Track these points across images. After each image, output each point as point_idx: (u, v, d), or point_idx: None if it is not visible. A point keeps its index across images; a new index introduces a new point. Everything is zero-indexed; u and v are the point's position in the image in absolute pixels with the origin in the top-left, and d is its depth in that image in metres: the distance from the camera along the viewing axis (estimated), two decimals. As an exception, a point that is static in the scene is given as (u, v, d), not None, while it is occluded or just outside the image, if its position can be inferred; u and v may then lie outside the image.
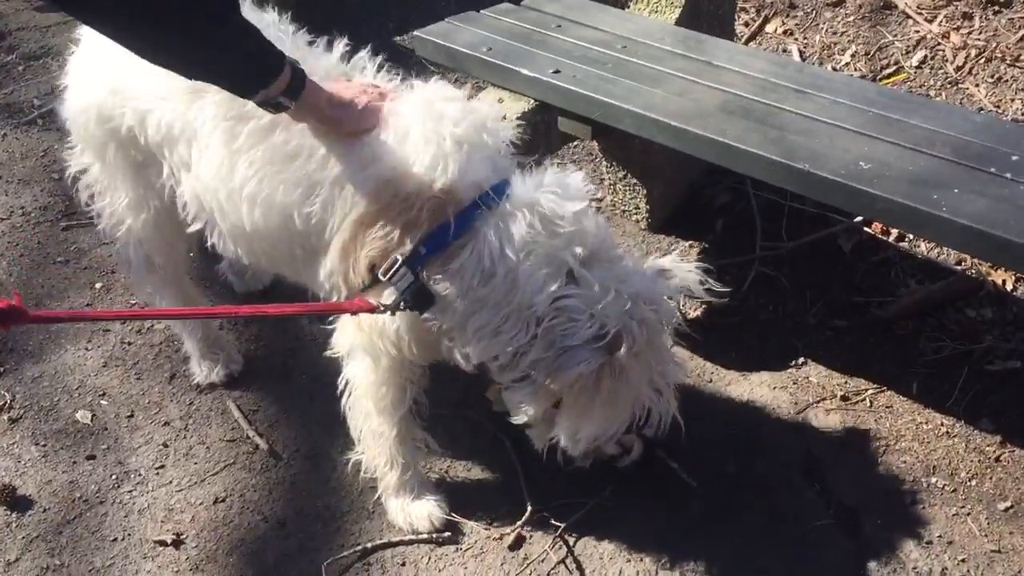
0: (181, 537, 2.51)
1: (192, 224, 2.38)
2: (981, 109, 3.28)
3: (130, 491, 2.64)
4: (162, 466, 2.71)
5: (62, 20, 5.00)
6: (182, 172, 2.28)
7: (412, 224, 1.95)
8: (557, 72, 2.60)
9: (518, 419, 2.12)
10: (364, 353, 2.25)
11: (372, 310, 2.01)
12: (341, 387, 2.35)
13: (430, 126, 1.98)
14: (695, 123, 2.36)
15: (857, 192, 2.11)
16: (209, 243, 2.42)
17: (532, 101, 2.67)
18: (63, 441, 2.79)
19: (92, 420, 2.84)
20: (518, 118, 2.60)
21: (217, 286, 3.25)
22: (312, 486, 2.63)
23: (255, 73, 1.82)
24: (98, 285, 3.34)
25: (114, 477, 2.69)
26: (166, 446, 2.76)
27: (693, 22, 3.00)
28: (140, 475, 2.69)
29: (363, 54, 2.19)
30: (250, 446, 2.74)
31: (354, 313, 2.07)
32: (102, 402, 2.90)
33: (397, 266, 1.94)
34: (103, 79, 2.29)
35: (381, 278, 1.96)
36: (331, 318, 2.30)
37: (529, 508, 2.44)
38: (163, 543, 2.50)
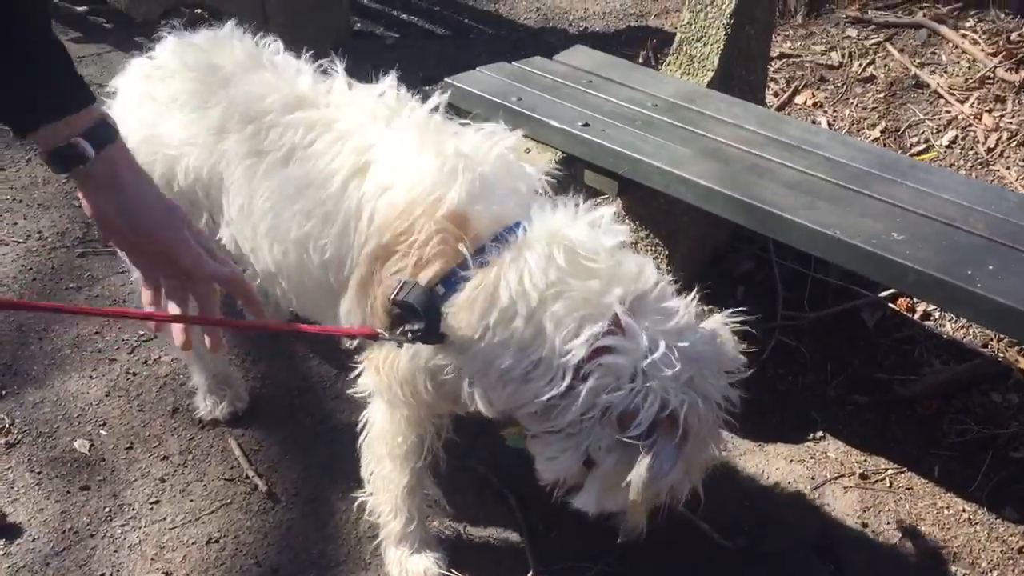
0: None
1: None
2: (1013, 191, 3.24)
3: (122, 525, 2.57)
4: (157, 501, 2.64)
5: (96, 52, 5.06)
6: (220, 218, 2.25)
7: (424, 258, 1.84)
8: (586, 125, 2.58)
9: (542, 470, 1.96)
10: (384, 400, 2.16)
11: (375, 337, 1.85)
12: (360, 425, 2.28)
13: (440, 144, 1.91)
14: (725, 184, 2.33)
15: (889, 263, 2.06)
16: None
17: (559, 153, 2.66)
18: (58, 470, 2.73)
19: (90, 450, 2.78)
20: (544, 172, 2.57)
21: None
22: (309, 532, 2.55)
23: (49, 98, 1.29)
24: (109, 313, 3.31)
25: (107, 510, 2.61)
26: (163, 481, 2.69)
27: (725, 86, 2.98)
28: (134, 509, 2.61)
29: (407, 92, 2.13)
30: (248, 486, 2.67)
31: (353, 338, 1.99)
32: (101, 432, 2.84)
33: (403, 292, 1.79)
34: (135, 130, 2.26)
35: (392, 307, 1.83)
36: (356, 359, 2.21)
37: (531, 571, 2.36)
38: (152, 581, 2.42)
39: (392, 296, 1.81)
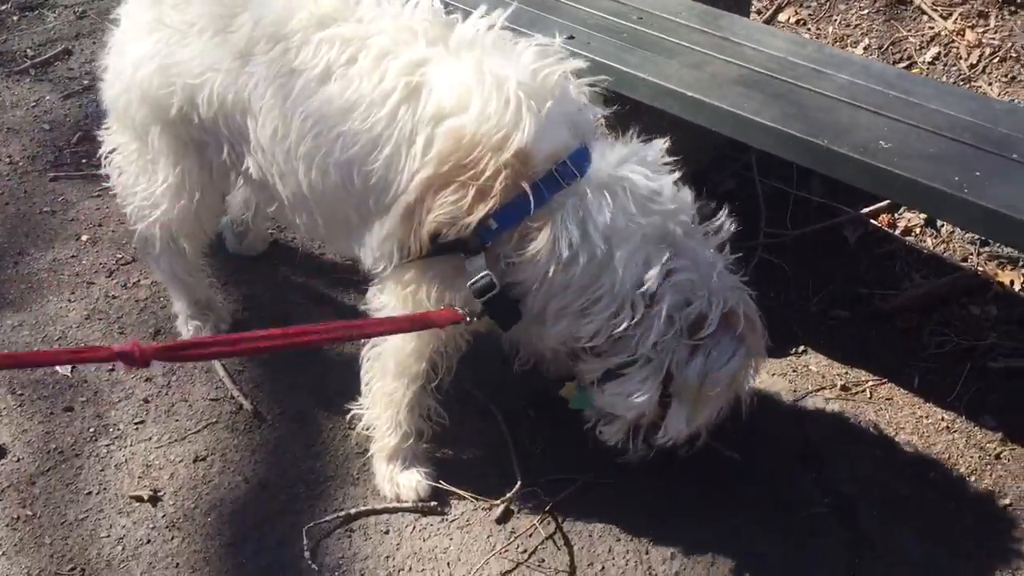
0: (158, 494, 2.44)
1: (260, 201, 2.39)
2: (1016, 102, 3.23)
3: (107, 445, 2.57)
4: (142, 422, 2.63)
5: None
6: (244, 148, 2.19)
7: (485, 192, 1.85)
8: (571, 38, 2.54)
9: (622, 410, 2.04)
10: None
11: (458, 320, 1.95)
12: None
13: (500, 76, 1.88)
14: (712, 95, 2.31)
15: (877, 170, 2.06)
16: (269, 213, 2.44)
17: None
18: (40, 391, 2.71)
19: (72, 372, 2.76)
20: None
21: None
22: (296, 449, 2.55)
23: None
24: (84, 237, 3.26)
25: (92, 430, 2.61)
26: (147, 402, 2.68)
27: (709, 0, 2.93)
28: (119, 429, 2.61)
29: None
30: (234, 406, 2.67)
31: (441, 326, 2.01)
32: (83, 355, 2.82)
33: (480, 278, 1.88)
34: (148, 60, 2.21)
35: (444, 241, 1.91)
36: (373, 277, 2.20)
37: (519, 482, 2.38)
38: (139, 499, 2.42)
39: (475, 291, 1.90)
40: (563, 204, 1.84)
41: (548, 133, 1.86)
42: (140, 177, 2.43)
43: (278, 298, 3.01)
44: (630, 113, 2.83)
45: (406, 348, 2.19)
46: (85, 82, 4.04)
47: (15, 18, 4.54)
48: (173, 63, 2.16)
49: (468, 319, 1.96)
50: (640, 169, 1.89)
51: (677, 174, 1.97)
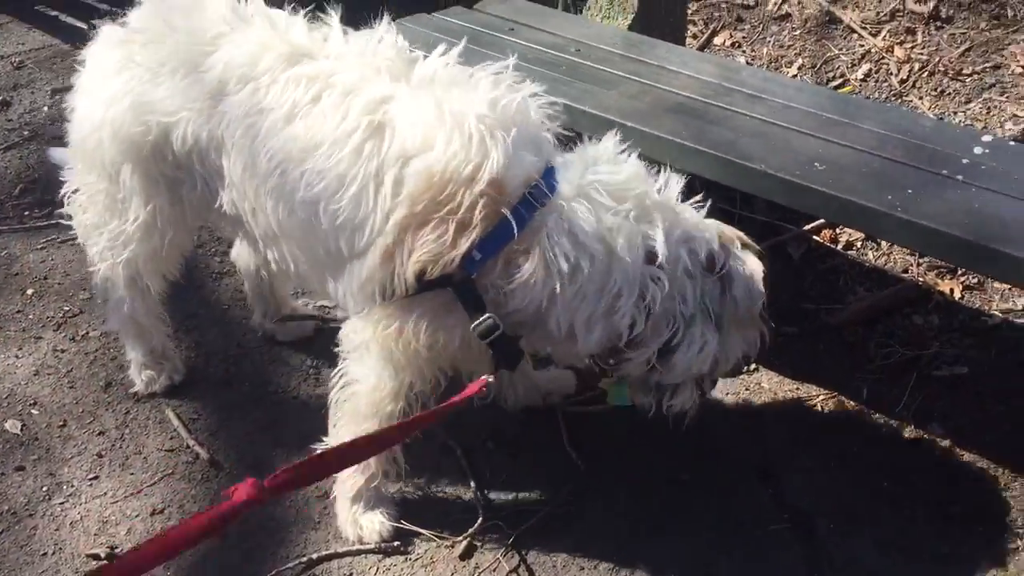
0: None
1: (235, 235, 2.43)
2: (942, 118, 3.32)
3: (62, 503, 2.52)
4: (96, 477, 2.59)
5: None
6: (218, 182, 2.21)
7: (465, 225, 1.88)
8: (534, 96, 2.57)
9: (701, 369, 2.07)
10: (382, 359, 2.15)
11: (484, 387, 1.98)
12: (335, 380, 2.27)
13: (462, 113, 1.90)
14: (652, 124, 2.36)
15: (813, 192, 2.12)
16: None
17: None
18: (-10, 453, 2.66)
19: (22, 430, 2.72)
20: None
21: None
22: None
23: None
24: (29, 291, 3.22)
25: (45, 489, 2.56)
26: (100, 456, 2.65)
27: (645, 29, 3.00)
28: (73, 486, 2.57)
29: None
30: (190, 456, 2.64)
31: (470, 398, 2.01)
32: (33, 412, 2.78)
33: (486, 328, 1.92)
34: (119, 100, 2.22)
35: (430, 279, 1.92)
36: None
37: (480, 517, 2.38)
38: (96, 557, 2.38)
39: (484, 339, 1.94)
40: (544, 223, 1.88)
41: (517, 159, 1.90)
42: (108, 216, 2.43)
43: (230, 341, 3.00)
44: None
45: (384, 389, 2.19)
46: (25, 133, 4.01)
47: (-51, 72, 4.49)
48: (146, 101, 2.18)
49: (491, 378, 2.00)
50: (603, 168, 1.96)
51: (634, 155, 2.03)
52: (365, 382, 2.20)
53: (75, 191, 2.51)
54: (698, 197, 2.10)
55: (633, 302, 1.93)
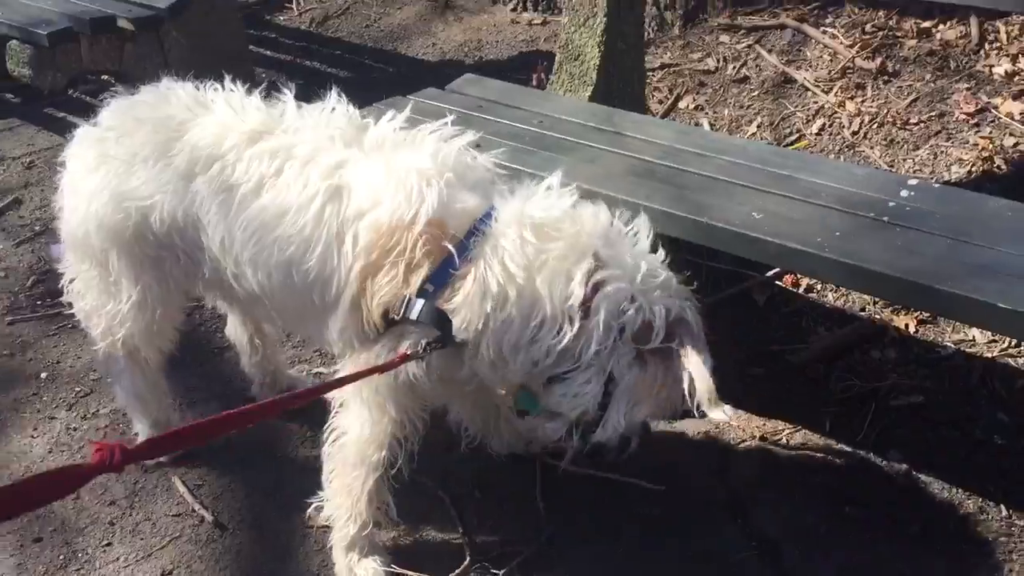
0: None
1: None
2: (877, 168, 3.54)
3: (77, 570, 2.68)
4: (109, 544, 2.76)
5: (7, 127, 5.15)
6: (198, 254, 2.40)
7: (412, 264, 2.08)
8: (477, 147, 2.79)
9: (566, 410, 2.17)
10: (365, 408, 2.32)
11: (407, 359, 2.10)
12: (329, 433, 2.44)
13: (403, 168, 2.11)
14: (606, 185, 2.57)
15: (752, 239, 2.31)
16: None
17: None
18: (9, 526, 2.82)
19: (39, 503, 2.88)
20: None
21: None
22: (258, 553, 2.69)
23: None
24: (43, 375, 3.41)
25: (61, 557, 2.72)
26: (112, 524, 2.81)
27: (606, 99, 3.24)
28: (87, 554, 2.73)
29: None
30: (196, 519, 2.80)
31: (399, 365, 2.12)
32: (49, 486, 2.95)
33: (406, 301, 2.06)
34: (100, 193, 2.42)
35: (394, 317, 2.09)
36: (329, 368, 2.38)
37: (468, 559, 2.54)
38: (110, 617, 2.54)
39: (399, 314, 2.07)
40: (482, 251, 2.06)
41: (454, 199, 2.11)
42: (104, 298, 2.61)
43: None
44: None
45: (364, 435, 2.36)
46: (36, 228, 4.25)
47: (-37, 176, 4.77)
48: (124, 191, 2.38)
49: (420, 354, 2.11)
50: (537, 203, 2.12)
51: (572, 199, 2.15)
52: (351, 431, 2.38)
53: (71, 280, 2.70)
54: (661, 253, 2.20)
55: (551, 336, 2.06)
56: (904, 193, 2.44)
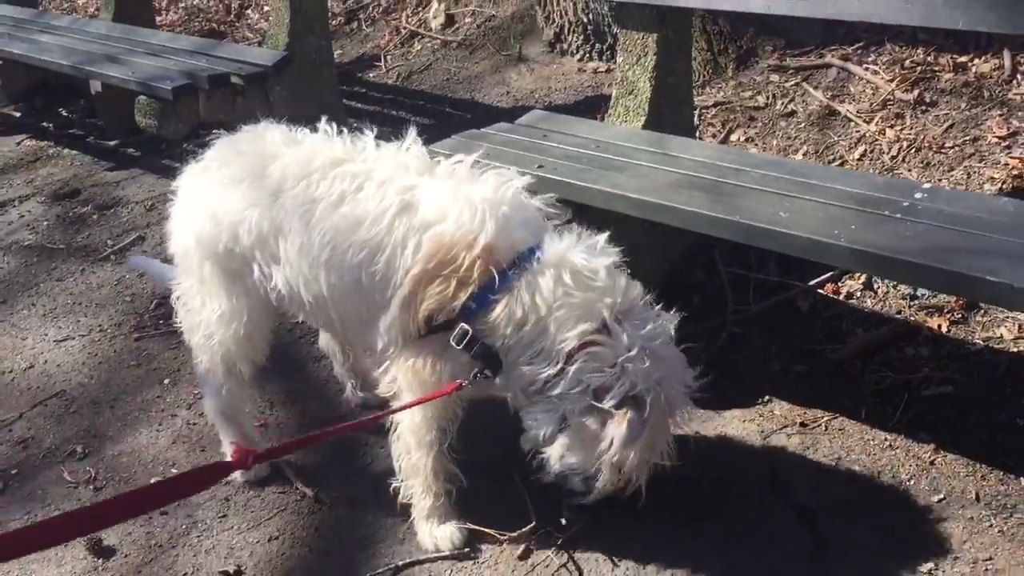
0: (241, 568, 2.95)
1: (287, 310, 2.93)
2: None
3: (198, 536, 3.10)
4: (224, 515, 3.17)
5: (130, 176, 5.80)
6: (272, 267, 2.75)
7: (464, 282, 2.42)
8: (541, 167, 3.21)
9: (527, 430, 2.55)
10: (409, 396, 2.65)
11: (459, 388, 2.49)
12: (388, 424, 2.80)
13: (470, 194, 2.46)
14: (651, 194, 2.93)
15: (778, 234, 2.64)
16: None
17: (522, 192, 3.25)
18: (140, 501, 3.27)
19: (164, 484, 3.33)
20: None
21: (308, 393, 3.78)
22: (351, 523, 3.07)
23: None
24: (166, 381, 3.90)
25: (184, 527, 3.15)
26: (227, 500, 3.23)
27: (658, 128, 3.61)
28: (206, 524, 3.15)
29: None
30: (298, 495, 3.20)
31: (448, 393, 2.51)
32: (172, 470, 3.40)
33: (467, 344, 2.41)
34: (200, 211, 2.83)
35: (436, 323, 2.45)
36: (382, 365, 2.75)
37: (534, 522, 2.87)
38: (227, 573, 2.94)
39: (459, 345, 2.43)
40: (520, 283, 2.39)
41: (507, 231, 2.43)
42: (200, 311, 2.96)
43: (327, 406, 3.60)
44: (601, 225, 3.50)
45: (416, 422, 2.70)
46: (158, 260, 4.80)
47: (95, 216, 5.39)
48: (220, 208, 2.73)
49: (466, 383, 2.48)
50: (580, 253, 2.41)
51: (614, 259, 2.46)
52: (404, 420, 2.72)
53: (178, 297, 3.06)
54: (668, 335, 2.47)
55: (543, 366, 2.41)
56: (918, 195, 2.75)
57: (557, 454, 2.56)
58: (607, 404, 2.39)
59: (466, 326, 2.42)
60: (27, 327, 4.40)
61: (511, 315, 2.39)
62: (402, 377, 2.67)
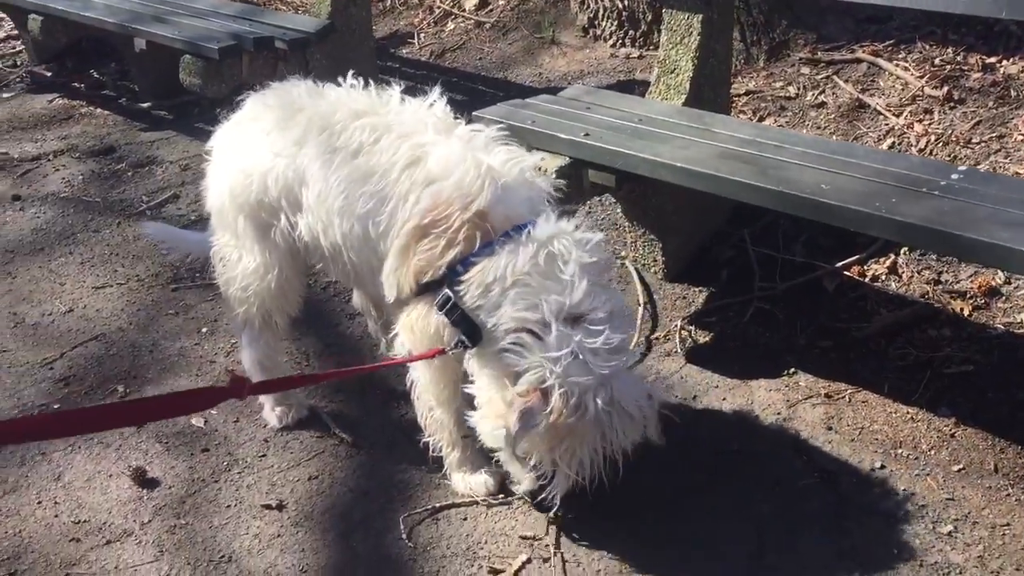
0: (283, 503, 3.06)
1: (315, 263, 3.02)
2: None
3: (239, 473, 3.21)
4: (264, 455, 3.28)
5: (163, 137, 5.90)
6: (297, 215, 2.85)
7: (451, 243, 2.48)
8: (587, 135, 3.32)
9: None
10: (407, 352, 2.75)
11: (441, 353, 2.57)
12: (408, 385, 2.91)
13: (478, 159, 2.52)
14: (696, 164, 3.05)
15: (820, 204, 2.76)
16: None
17: (567, 158, 3.36)
18: (182, 439, 3.38)
19: (205, 424, 3.44)
20: (555, 172, 3.30)
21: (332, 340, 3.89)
22: (388, 467, 3.18)
23: None
24: (204, 330, 4.00)
25: (225, 463, 3.26)
26: (266, 442, 3.34)
27: (697, 107, 3.73)
28: (246, 462, 3.26)
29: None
30: (336, 440, 3.31)
31: (431, 357, 2.60)
32: (212, 412, 3.50)
33: (448, 312, 2.47)
34: (232, 165, 2.94)
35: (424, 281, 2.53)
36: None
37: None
38: (268, 507, 3.05)
39: (440, 310, 2.50)
40: (502, 252, 2.42)
41: (504, 202, 2.47)
42: (236, 264, 3.07)
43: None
44: (639, 197, 3.62)
45: (428, 379, 2.80)
46: (192, 217, 4.90)
47: (130, 174, 5.49)
48: (251, 161, 2.83)
49: (449, 350, 2.55)
50: (565, 242, 2.42)
51: (598, 260, 2.44)
52: (420, 379, 2.82)
53: (214, 251, 3.17)
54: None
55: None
56: (955, 176, 2.87)
57: (482, 428, 2.63)
58: (517, 390, 2.43)
59: (449, 292, 2.47)
60: (65, 273, 4.50)
61: (483, 279, 2.41)
62: (400, 331, 2.76)
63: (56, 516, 3.06)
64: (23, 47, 7.40)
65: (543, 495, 2.64)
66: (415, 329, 2.68)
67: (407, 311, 2.70)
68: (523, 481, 2.76)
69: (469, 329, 2.50)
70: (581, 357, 2.34)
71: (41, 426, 2.28)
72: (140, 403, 2.34)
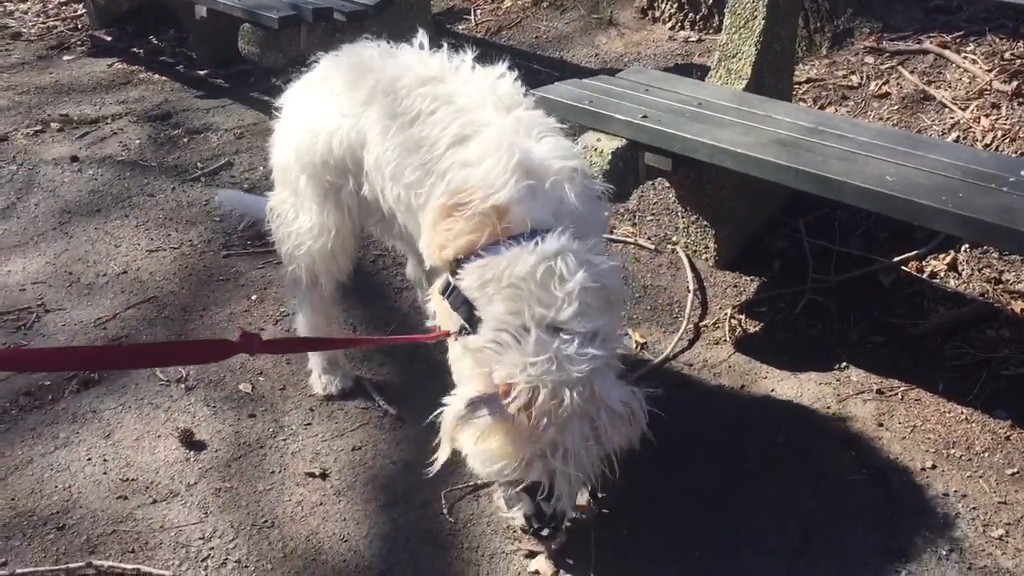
0: (327, 471, 3.08)
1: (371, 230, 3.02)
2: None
3: (284, 440, 3.24)
4: (309, 423, 3.31)
5: (220, 105, 5.94)
6: (361, 176, 2.84)
7: (463, 231, 2.40)
8: (645, 117, 3.28)
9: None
10: (438, 322, 2.70)
11: (447, 335, 2.55)
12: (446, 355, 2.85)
13: (513, 151, 2.38)
14: (756, 150, 3.00)
15: (884, 196, 2.70)
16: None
17: (623, 140, 3.32)
18: (229, 404, 3.42)
19: (252, 390, 3.47)
20: (612, 154, 3.27)
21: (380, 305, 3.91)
22: (432, 442, 3.10)
23: None
24: (253, 297, 4.03)
25: (271, 430, 3.29)
26: (312, 410, 3.37)
27: (757, 91, 3.67)
28: (292, 429, 3.28)
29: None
30: (380, 412, 3.33)
31: (432, 340, 2.61)
32: (260, 379, 3.54)
33: (445, 286, 2.46)
34: (298, 126, 2.93)
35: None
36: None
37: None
38: (312, 475, 3.07)
39: (443, 295, 2.48)
40: (507, 254, 2.31)
41: (525, 203, 2.34)
42: (292, 221, 3.08)
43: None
44: (694, 182, 3.57)
45: (452, 354, 2.69)
46: (245, 185, 4.93)
47: (185, 140, 5.54)
48: (318, 121, 2.81)
49: (453, 335, 2.52)
50: (570, 261, 2.28)
51: (604, 284, 2.33)
52: (450, 353, 2.72)
53: (271, 208, 3.17)
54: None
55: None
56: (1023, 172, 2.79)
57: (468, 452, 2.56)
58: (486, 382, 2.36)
59: (450, 279, 2.44)
60: (120, 236, 4.56)
61: (483, 274, 2.35)
62: (433, 301, 2.74)
63: (105, 473, 3.11)
64: (84, 11, 7.50)
65: (547, 508, 2.51)
66: (439, 303, 2.66)
67: (436, 283, 2.69)
68: (514, 510, 2.65)
69: (469, 316, 2.46)
70: (558, 361, 2.26)
71: (45, 358, 2.29)
72: (145, 347, 2.33)
